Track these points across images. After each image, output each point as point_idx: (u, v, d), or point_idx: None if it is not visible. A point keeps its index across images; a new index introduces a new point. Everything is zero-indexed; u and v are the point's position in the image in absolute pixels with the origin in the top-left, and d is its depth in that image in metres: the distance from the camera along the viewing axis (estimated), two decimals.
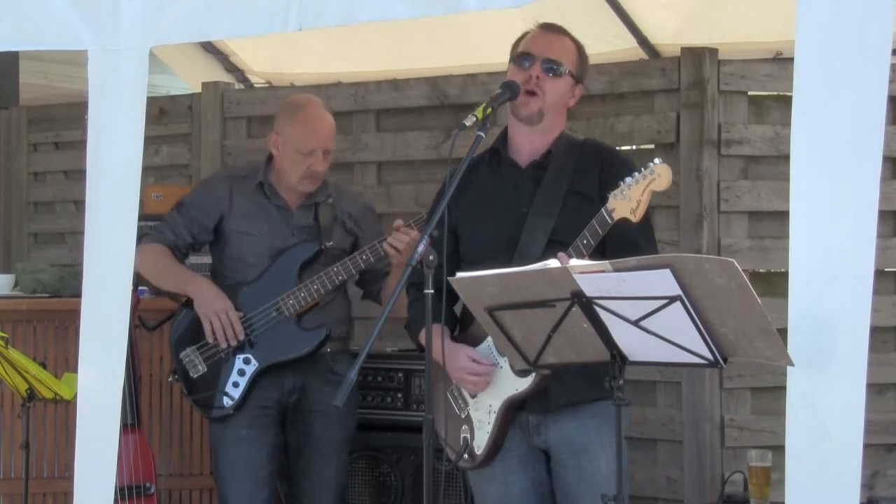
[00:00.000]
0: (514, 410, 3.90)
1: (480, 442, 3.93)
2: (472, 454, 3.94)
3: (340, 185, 5.05)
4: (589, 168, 3.96)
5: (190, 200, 4.87)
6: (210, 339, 4.69)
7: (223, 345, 4.67)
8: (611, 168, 3.92)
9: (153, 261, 4.80)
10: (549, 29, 4.03)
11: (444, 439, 3.99)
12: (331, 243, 4.76)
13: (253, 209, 4.79)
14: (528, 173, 3.99)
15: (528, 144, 4.01)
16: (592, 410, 3.88)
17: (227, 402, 4.69)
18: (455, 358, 3.87)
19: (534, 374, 3.81)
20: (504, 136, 4.07)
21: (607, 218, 3.68)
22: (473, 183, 3.96)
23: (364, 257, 4.63)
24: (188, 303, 4.80)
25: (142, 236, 4.78)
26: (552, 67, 3.94)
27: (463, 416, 3.97)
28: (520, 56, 3.98)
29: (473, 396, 3.94)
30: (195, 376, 4.75)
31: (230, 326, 4.66)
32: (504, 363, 3.86)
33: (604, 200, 3.72)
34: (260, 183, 4.79)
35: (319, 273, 4.67)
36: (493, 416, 3.90)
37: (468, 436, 3.94)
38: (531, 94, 3.92)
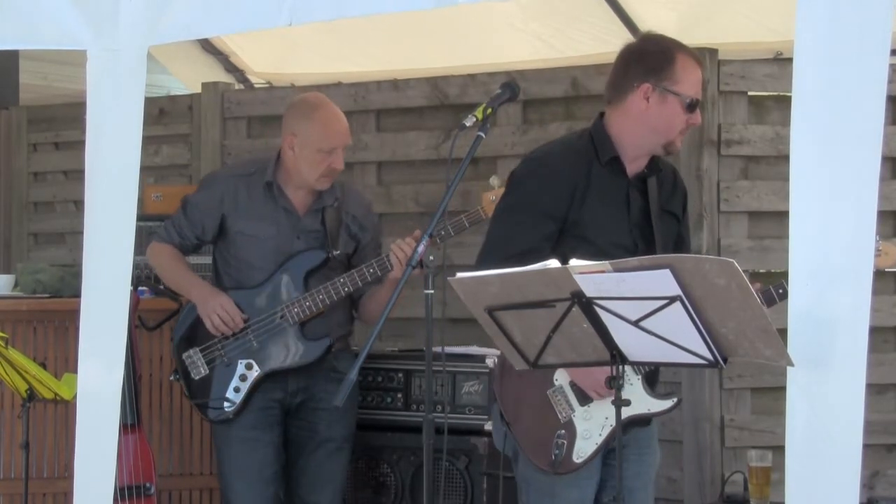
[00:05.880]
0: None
1: (583, 452, 3.80)
2: (565, 462, 3.80)
3: (347, 184, 5.01)
4: (671, 187, 4.00)
5: (194, 201, 4.85)
6: (213, 331, 4.68)
7: (227, 332, 4.67)
8: (685, 192, 4.06)
9: (160, 262, 4.87)
10: (699, 63, 3.94)
11: (517, 441, 3.83)
12: (338, 252, 4.75)
13: (259, 211, 4.76)
14: (634, 184, 3.93)
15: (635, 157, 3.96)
16: None
17: (227, 406, 4.69)
18: (592, 372, 3.70)
19: (674, 400, 3.79)
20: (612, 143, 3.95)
21: None
22: (596, 183, 3.88)
23: (371, 271, 4.60)
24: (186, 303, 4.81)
25: (150, 234, 4.90)
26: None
27: (562, 421, 3.84)
28: (694, 105, 3.85)
29: (584, 405, 3.83)
30: (197, 378, 4.75)
31: (229, 318, 4.66)
32: (637, 381, 3.79)
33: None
34: (268, 183, 4.76)
35: (325, 283, 4.64)
36: (608, 430, 3.79)
37: (565, 442, 3.80)
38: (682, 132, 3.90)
